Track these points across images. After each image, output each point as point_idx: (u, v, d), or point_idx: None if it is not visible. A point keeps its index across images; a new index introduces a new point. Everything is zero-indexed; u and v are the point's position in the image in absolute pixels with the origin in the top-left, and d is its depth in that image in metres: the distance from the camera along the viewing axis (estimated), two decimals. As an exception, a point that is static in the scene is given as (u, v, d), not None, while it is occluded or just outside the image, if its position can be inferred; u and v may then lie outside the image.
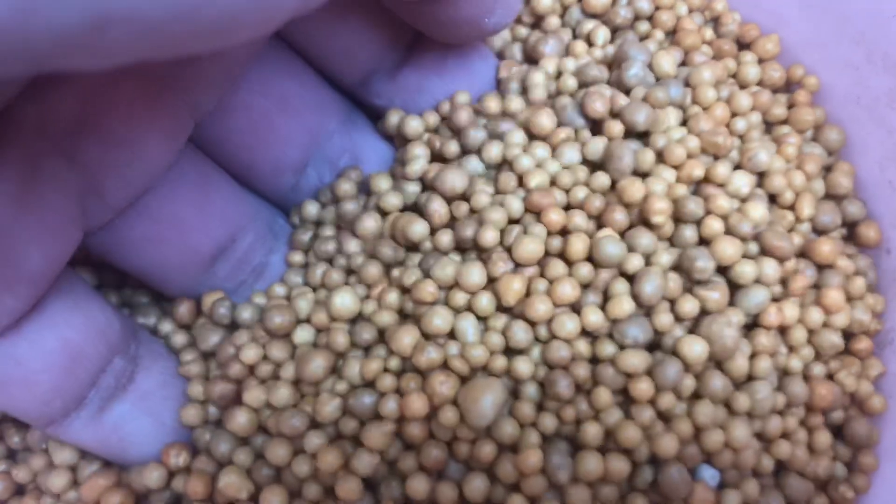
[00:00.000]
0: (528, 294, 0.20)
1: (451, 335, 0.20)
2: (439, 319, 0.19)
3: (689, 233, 0.21)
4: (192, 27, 0.11)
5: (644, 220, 0.21)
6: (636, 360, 0.19)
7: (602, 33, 0.25)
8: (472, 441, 0.19)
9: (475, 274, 0.20)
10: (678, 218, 0.21)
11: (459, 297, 0.20)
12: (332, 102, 0.24)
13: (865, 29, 0.25)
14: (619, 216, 0.20)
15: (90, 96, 0.18)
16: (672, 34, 0.26)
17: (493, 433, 0.19)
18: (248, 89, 0.22)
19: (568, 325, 0.20)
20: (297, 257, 0.24)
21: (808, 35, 0.26)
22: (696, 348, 0.19)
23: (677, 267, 0.20)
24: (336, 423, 0.20)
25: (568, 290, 0.20)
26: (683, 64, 0.25)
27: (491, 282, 0.20)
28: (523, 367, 0.20)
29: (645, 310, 0.20)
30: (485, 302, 0.20)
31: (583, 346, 0.20)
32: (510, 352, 0.20)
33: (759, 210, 0.21)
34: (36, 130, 0.18)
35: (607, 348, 0.20)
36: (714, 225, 0.20)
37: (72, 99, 0.18)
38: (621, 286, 0.20)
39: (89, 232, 0.20)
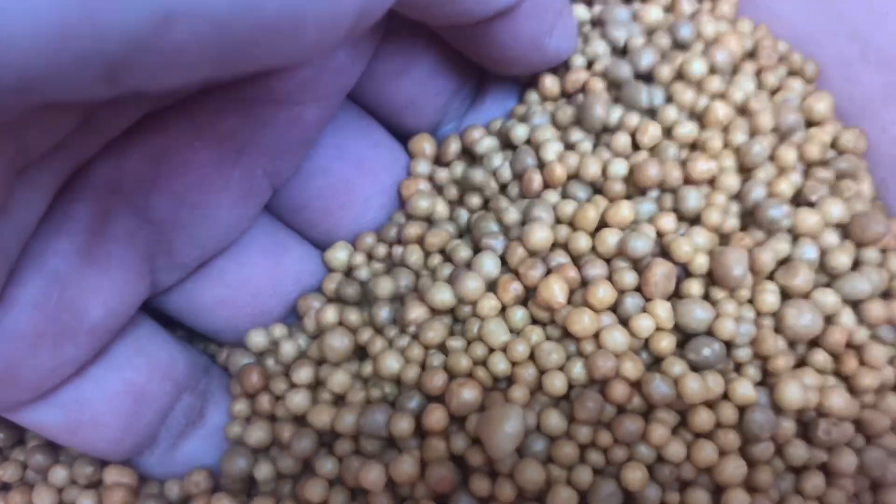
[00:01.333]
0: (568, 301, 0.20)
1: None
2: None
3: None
4: (255, 22, 0.11)
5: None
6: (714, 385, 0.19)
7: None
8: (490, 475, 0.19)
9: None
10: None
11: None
12: (402, 157, 0.24)
13: (860, 26, 0.24)
14: None
15: (165, 157, 0.19)
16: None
17: (516, 476, 0.18)
18: (324, 154, 0.22)
19: (616, 337, 0.19)
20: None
21: (803, 31, 0.26)
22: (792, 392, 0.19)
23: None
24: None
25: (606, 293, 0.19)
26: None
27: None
28: (557, 383, 0.19)
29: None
30: (519, 315, 0.20)
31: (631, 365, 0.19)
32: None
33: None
34: (109, 187, 0.18)
35: (675, 367, 0.19)
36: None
37: (147, 158, 0.19)
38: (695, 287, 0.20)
39: (160, 290, 0.21)
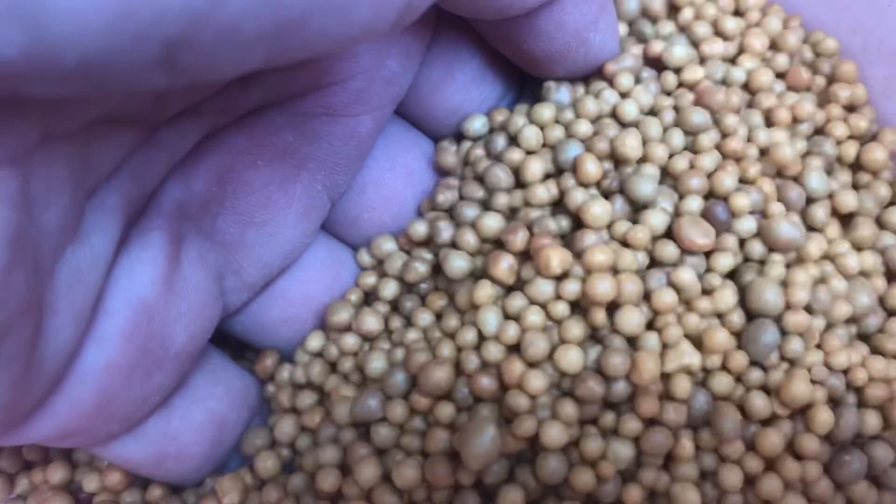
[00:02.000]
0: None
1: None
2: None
3: None
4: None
5: None
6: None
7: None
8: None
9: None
10: None
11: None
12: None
13: (862, 18, 0.25)
14: None
15: (229, 178, 0.19)
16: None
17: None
18: (375, 166, 0.22)
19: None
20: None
21: (806, 23, 0.26)
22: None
23: None
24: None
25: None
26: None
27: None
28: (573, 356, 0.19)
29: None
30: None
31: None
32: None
33: None
34: (179, 212, 0.19)
35: (753, 374, 0.19)
36: None
37: (212, 180, 0.19)
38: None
39: (230, 313, 0.21)
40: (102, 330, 0.17)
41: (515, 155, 0.21)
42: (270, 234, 0.20)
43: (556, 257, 0.19)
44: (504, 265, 0.20)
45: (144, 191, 0.18)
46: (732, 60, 0.25)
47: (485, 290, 0.20)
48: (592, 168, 0.20)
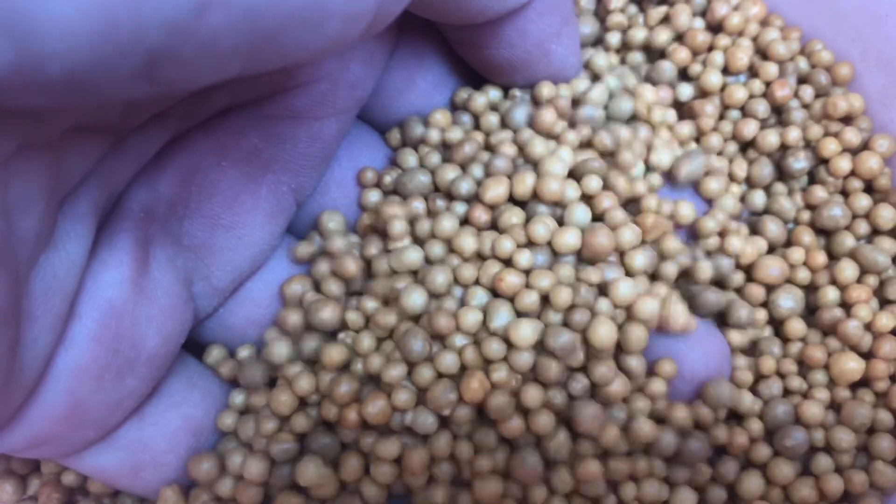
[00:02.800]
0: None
1: None
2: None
3: None
4: (284, 10, 0.12)
5: None
6: None
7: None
8: None
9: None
10: None
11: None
12: None
13: (861, 27, 0.25)
14: None
15: (195, 180, 0.19)
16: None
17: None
18: (338, 166, 0.23)
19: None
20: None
21: (805, 32, 0.26)
22: None
23: None
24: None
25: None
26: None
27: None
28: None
29: None
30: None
31: None
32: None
33: None
34: (146, 214, 0.19)
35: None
36: None
37: (177, 182, 0.19)
38: None
39: (200, 318, 0.21)
40: (71, 333, 0.17)
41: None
42: (238, 237, 0.20)
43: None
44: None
45: (113, 195, 0.18)
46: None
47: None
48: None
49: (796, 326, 0.22)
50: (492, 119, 0.23)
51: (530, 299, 0.19)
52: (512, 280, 0.19)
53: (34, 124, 0.14)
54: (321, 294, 0.21)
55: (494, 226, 0.20)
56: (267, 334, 0.21)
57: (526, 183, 0.20)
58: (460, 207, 0.21)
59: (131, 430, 0.19)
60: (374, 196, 0.22)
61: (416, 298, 0.19)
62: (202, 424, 0.21)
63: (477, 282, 0.20)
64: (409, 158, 0.22)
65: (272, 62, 0.13)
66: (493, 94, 0.23)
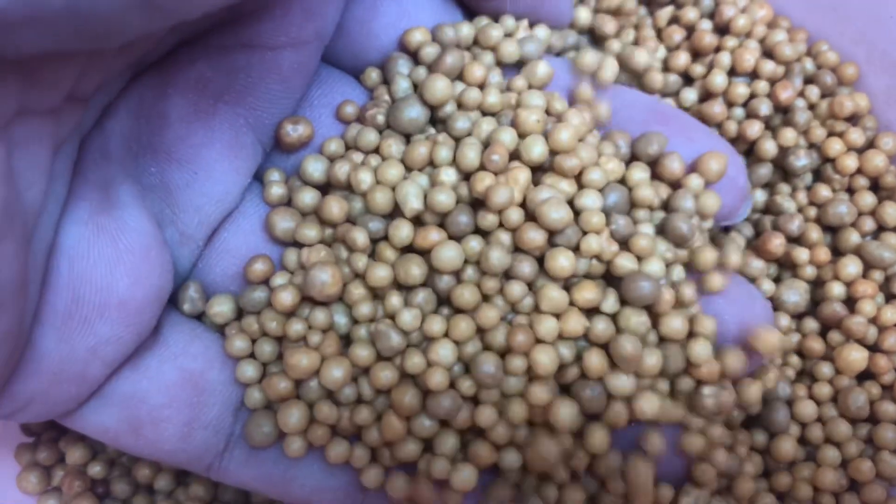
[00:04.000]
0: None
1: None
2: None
3: None
4: None
5: None
6: None
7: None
8: None
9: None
10: None
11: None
12: None
13: (865, 29, 0.26)
14: None
15: (142, 112, 0.19)
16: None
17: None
18: (308, 105, 0.21)
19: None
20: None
21: (811, 34, 0.27)
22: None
23: None
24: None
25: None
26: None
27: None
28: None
29: None
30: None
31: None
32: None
33: None
34: (101, 154, 0.18)
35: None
36: None
37: (126, 117, 0.19)
38: None
39: (181, 272, 0.20)
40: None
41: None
42: (195, 172, 0.19)
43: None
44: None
45: (78, 148, 0.18)
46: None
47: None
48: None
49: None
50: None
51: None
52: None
53: (33, 87, 0.14)
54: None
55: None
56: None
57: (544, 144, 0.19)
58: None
59: (126, 384, 0.18)
60: (358, 132, 0.20)
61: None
62: (204, 378, 0.19)
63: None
64: (402, 84, 0.21)
65: None
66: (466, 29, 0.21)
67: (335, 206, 0.19)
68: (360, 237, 0.19)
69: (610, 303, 0.18)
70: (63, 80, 0.15)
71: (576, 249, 0.19)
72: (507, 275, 0.19)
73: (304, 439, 0.19)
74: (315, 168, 0.20)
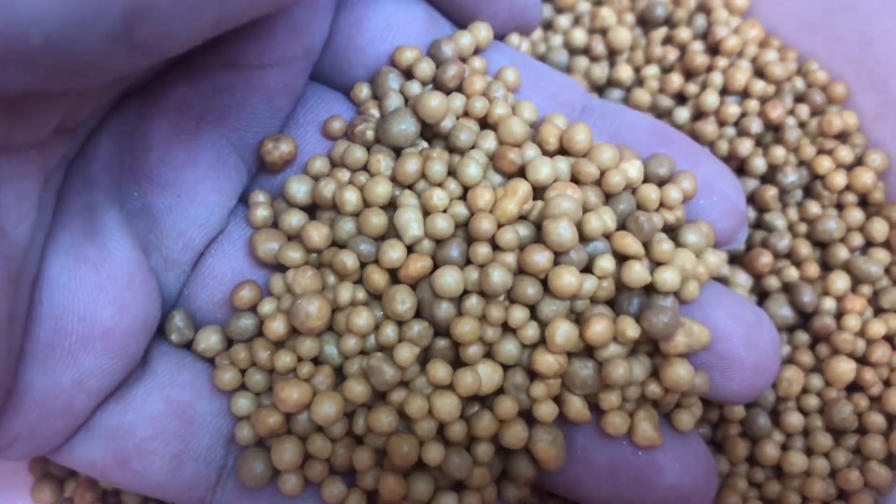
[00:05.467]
0: None
1: None
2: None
3: None
4: None
5: None
6: None
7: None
8: None
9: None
10: None
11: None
12: None
13: (854, 49, 0.26)
14: None
15: (124, 136, 0.18)
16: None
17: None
18: (294, 124, 0.21)
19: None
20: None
21: (802, 53, 0.27)
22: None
23: None
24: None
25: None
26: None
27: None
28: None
29: None
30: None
31: None
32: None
33: None
34: (85, 181, 0.18)
35: None
36: None
37: (109, 143, 0.18)
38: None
39: (167, 299, 0.19)
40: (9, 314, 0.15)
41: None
42: (178, 196, 0.18)
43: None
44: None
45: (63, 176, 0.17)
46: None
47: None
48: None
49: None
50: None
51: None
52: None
53: (22, 122, 0.14)
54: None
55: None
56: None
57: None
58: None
59: (112, 416, 0.18)
60: (345, 149, 0.20)
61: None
62: (192, 409, 0.19)
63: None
64: (394, 98, 0.20)
65: (245, 11, 0.13)
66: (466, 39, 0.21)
67: (315, 234, 0.18)
68: (348, 261, 0.18)
69: (631, 330, 0.18)
70: (51, 114, 0.15)
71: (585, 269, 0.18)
72: (511, 298, 0.18)
73: (299, 476, 0.18)
74: (298, 189, 0.19)
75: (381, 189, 0.19)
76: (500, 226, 0.18)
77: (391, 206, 0.19)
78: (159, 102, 0.18)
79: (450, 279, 0.18)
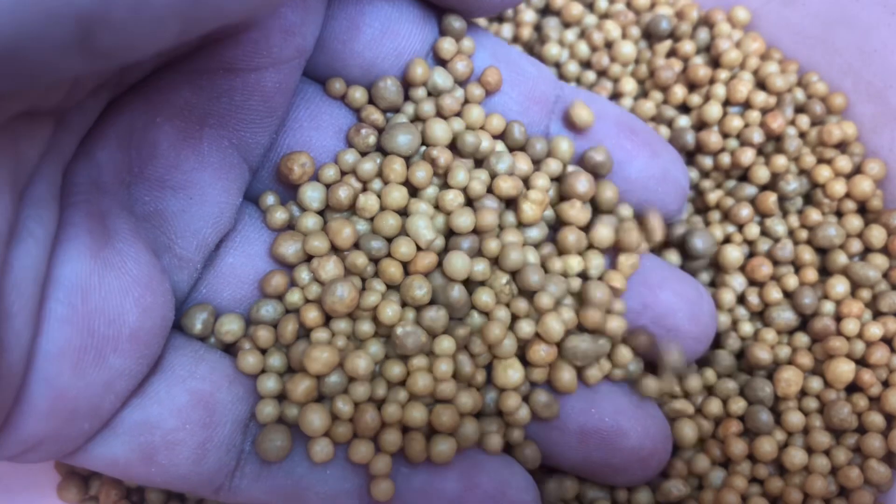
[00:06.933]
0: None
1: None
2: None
3: None
4: None
5: None
6: None
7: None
8: None
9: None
10: None
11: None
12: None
13: (852, 61, 0.27)
14: None
15: (133, 142, 0.19)
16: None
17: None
18: (300, 127, 0.22)
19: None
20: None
21: (802, 65, 0.28)
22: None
23: None
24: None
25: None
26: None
27: None
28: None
29: None
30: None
31: None
32: None
33: None
34: (93, 186, 0.18)
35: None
36: None
37: (116, 148, 0.19)
38: None
39: (180, 299, 0.20)
40: (40, 320, 0.16)
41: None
42: (189, 198, 0.19)
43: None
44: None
45: (63, 173, 0.18)
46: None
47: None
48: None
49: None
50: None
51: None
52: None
53: None
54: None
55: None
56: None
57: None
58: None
59: (135, 412, 0.18)
60: (357, 161, 0.21)
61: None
62: (214, 398, 0.19)
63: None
64: (401, 118, 0.22)
65: (211, 21, 0.12)
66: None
67: (346, 230, 0.20)
68: (359, 260, 0.20)
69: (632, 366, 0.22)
70: (11, 105, 0.14)
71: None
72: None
73: (328, 443, 0.20)
74: (313, 197, 0.21)
75: (398, 194, 0.21)
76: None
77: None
78: (165, 109, 0.19)
79: (459, 262, 0.20)
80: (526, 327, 0.20)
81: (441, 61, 0.22)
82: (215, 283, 0.21)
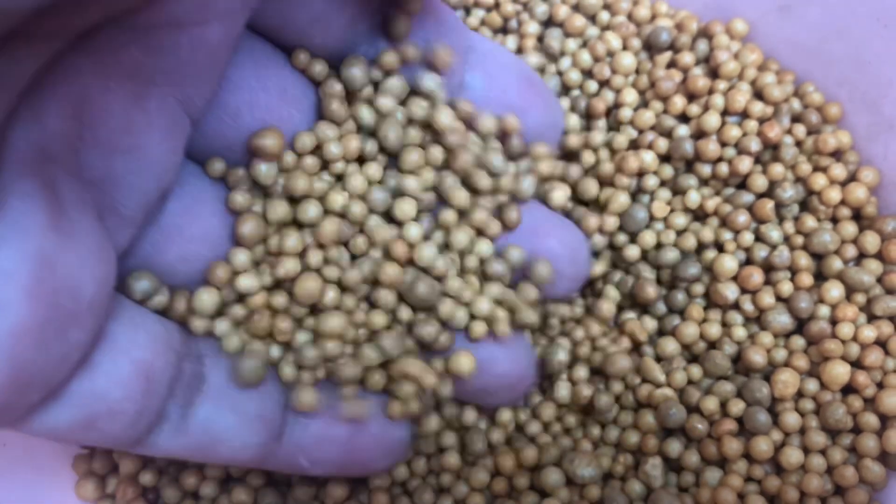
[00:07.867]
0: None
1: None
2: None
3: None
4: None
5: None
6: None
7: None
8: None
9: None
10: None
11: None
12: (310, 86, 0.23)
13: (848, 72, 0.28)
14: None
15: (84, 108, 0.18)
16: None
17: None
18: (247, 87, 0.21)
19: None
20: None
21: (798, 76, 0.29)
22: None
23: None
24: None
25: None
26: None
27: None
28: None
29: None
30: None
31: None
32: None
33: None
34: (41, 154, 0.17)
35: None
36: None
37: (66, 114, 0.18)
38: None
39: (121, 255, 0.20)
40: (5, 294, 0.15)
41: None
42: (138, 160, 0.19)
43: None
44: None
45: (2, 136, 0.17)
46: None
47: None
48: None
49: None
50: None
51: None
52: None
53: None
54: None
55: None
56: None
57: None
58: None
59: (83, 383, 0.18)
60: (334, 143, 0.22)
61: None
62: (153, 366, 0.19)
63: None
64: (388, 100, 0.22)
65: None
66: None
67: (329, 226, 0.21)
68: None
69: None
70: None
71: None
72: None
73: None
74: (268, 175, 0.21)
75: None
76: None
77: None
78: (114, 71, 0.18)
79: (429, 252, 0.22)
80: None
81: None
82: (157, 240, 0.21)
